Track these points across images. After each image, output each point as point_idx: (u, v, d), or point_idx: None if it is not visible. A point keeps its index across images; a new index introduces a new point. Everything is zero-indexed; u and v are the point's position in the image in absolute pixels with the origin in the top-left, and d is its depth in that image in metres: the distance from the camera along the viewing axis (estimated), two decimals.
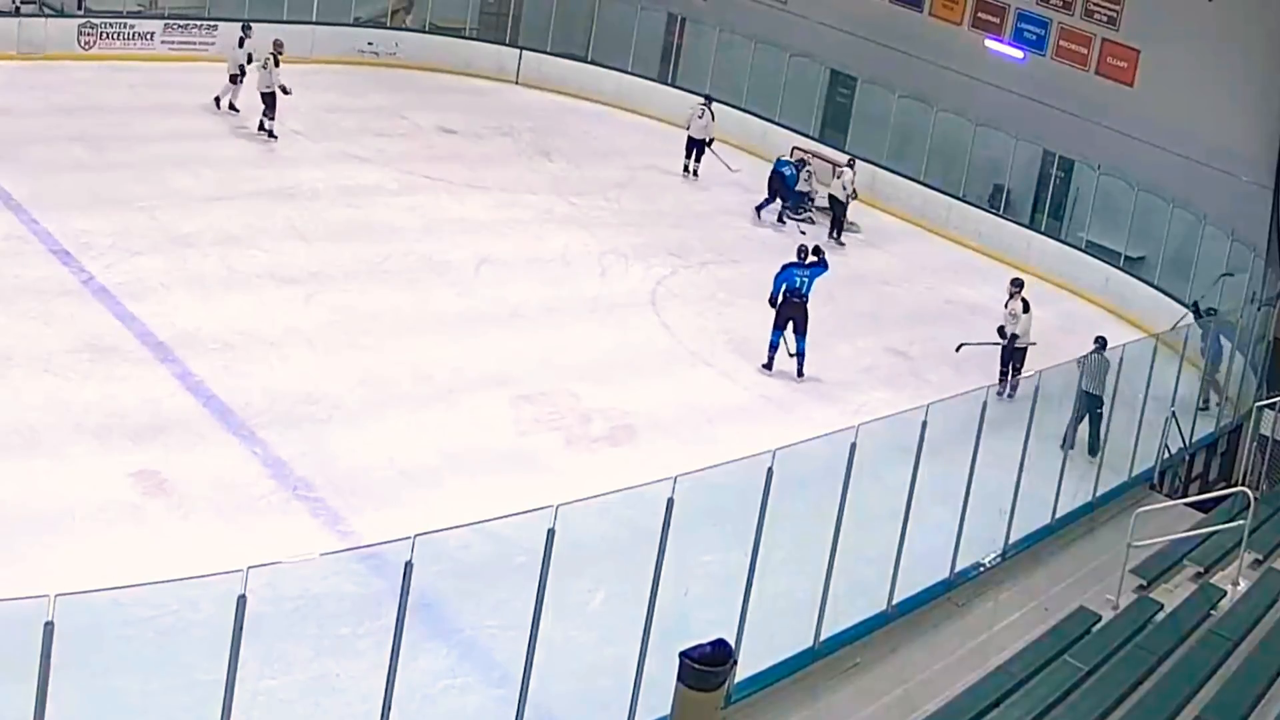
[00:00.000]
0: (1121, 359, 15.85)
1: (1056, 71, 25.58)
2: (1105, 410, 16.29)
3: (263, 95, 23.72)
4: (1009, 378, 18.25)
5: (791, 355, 17.94)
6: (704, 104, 26.23)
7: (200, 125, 23.69)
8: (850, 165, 24.54)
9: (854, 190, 24.30)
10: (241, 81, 24.27)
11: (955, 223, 25.48)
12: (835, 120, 28.41)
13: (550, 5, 31.14)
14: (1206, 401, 19.53)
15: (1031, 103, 25.48)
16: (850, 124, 28.13)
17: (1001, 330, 18.95)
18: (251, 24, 24.85)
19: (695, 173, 26.18)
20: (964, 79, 26.30)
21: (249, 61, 24.17)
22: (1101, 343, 17.37)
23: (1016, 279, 19.68)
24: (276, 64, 23.79)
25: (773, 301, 17.89)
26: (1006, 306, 19.11)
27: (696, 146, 26.05)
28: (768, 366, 18.00)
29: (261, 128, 23.85)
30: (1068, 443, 15.94)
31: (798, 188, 24.77)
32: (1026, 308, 18.91)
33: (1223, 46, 23.00)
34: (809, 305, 17.94)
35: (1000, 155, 25.68)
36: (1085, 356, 17.00)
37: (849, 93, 28.42)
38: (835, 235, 23.97)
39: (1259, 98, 22.80)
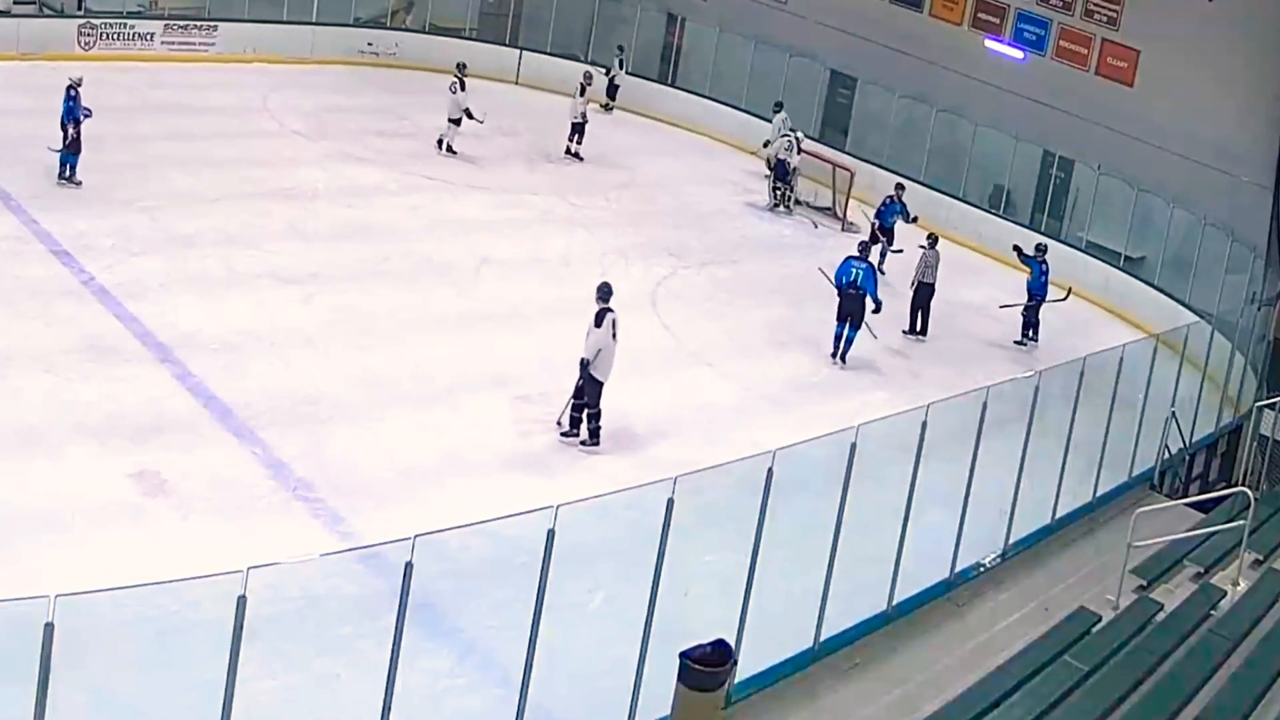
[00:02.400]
0: (1121, 359, 15.85)
1: (1056, 71, 25.59)
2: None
3: (573, 124, 25.84)
4: (576, 423, 15.01)
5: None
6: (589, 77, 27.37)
7: (200, 125, 23.70)
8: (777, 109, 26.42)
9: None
10: (460, 125, 24.72)
11: (955, 223, 25.46)
12: (835, 120, 28.43)
13: (550, 5, 31.16)
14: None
15: (1031, 103, 25.48)
16: (850, 124, 28.15)
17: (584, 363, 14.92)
18: (465, 64, 25.47)
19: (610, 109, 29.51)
20: (964, 79, 26.30)
21: (468, 116, 24.61)
22: (933, 239, 20.90)
23: (602, 284, 15.29)
24: (582, 93, 26.18)
25: (838, 289, 18.65)
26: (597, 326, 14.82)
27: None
28: (833, 355, 18.65)
29: (568, 151, 25.65)
30: (911, 328, 20.25)
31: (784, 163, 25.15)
32: (600, 319, 14.78)
33: (1223, 46, 23.00)
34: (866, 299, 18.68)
35: (1000, 155, 25.68)
36: (923, 253, 20.55)
37: (849, 93, 28.44)
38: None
39: (1259, 98, 22.80)
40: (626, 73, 30.00)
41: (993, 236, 25.09)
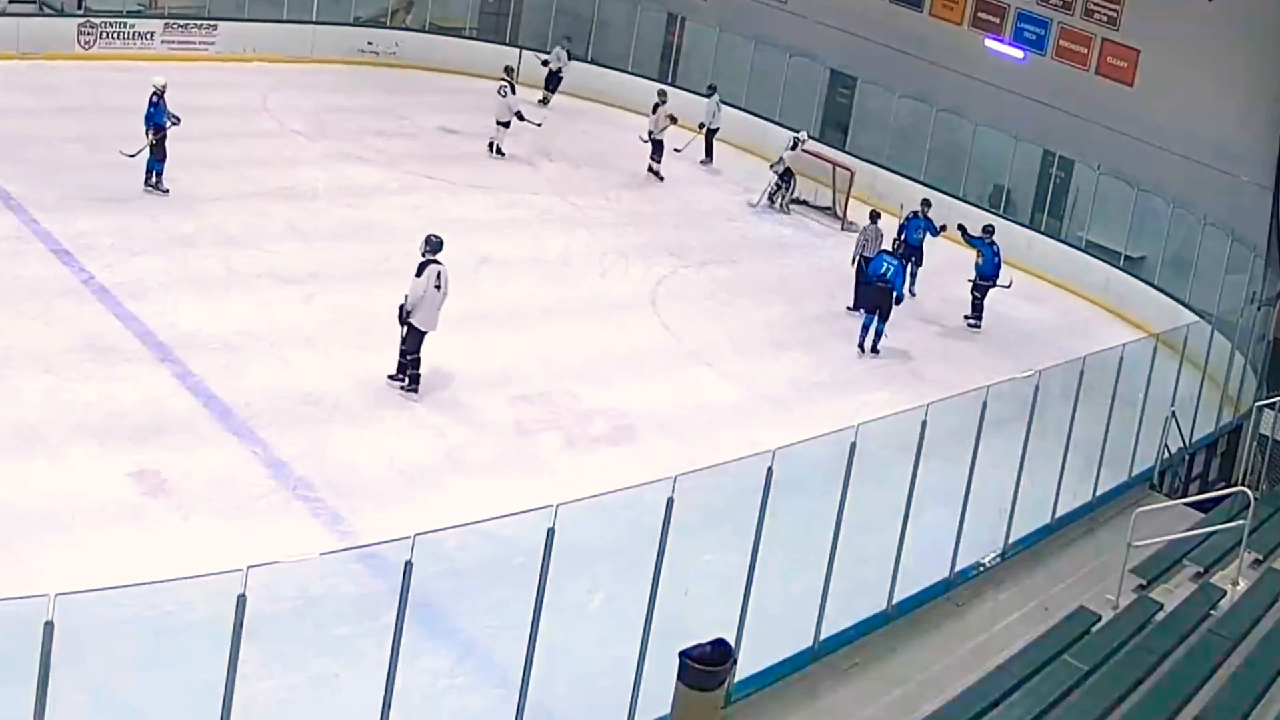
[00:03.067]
0: (1121, 359, 15.86)
1: (1056, 71, 25.58)
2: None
3: (652, 141, 25.73)
4: (402, 369, 15.60)
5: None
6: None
7: (200, 125, 23.56)
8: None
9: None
10: (509, 127, 25.15)
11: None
12: (835, 120, 28.42)
13: (550, 5, 31.15)
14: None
15: (1031, 103, 25.47)
16: (850, 124, 28.14)
17: None
18: (513, 68, 26.42)
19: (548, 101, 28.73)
20: (964, 79, 26.30)
21: (520, 119, 25.15)
22: (875, 215, 21.60)
23: (430, 236, 15.78)
24: (655, 110, 25.93)
25: (868, 282, 19.54)
26: None
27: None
28: (860, 345, 19.31)
29: (650, 170, 25.76)
30: (856, 305, 20.39)
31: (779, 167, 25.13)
32: (421, 270, 15.39)
33: (1223, 46, 22.99)
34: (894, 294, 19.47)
35: (1000, 155, 25.67)
36: (864, 228, 21.48)
37: (849, 93, 28.43)
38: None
39: (1259, 98, 22.80)
40: (572, 59, 29.45)
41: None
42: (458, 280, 19.13)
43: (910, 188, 25.67)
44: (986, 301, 21.44)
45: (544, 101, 28.95)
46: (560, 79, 29.21)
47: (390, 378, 15.56)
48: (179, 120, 20.08)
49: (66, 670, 7.25)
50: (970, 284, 21.32)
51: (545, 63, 29.29)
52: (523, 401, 15.93)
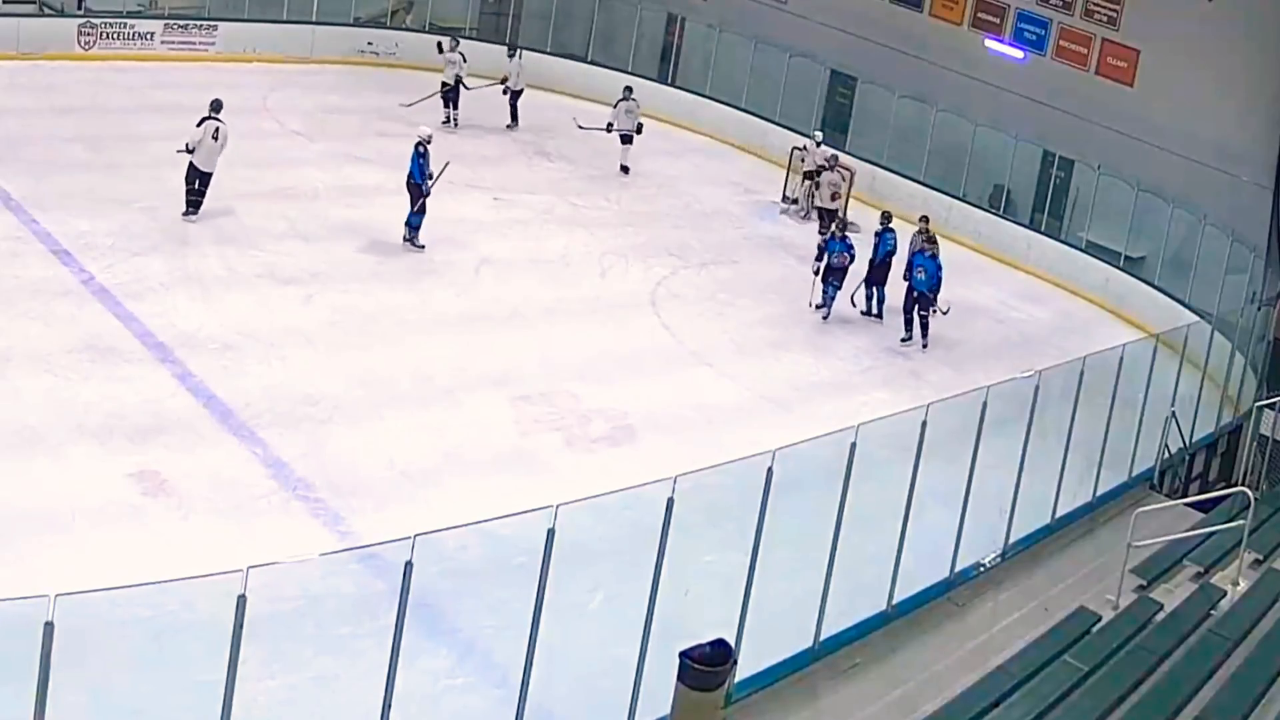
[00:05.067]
0: (1121, 359, 15.85)
1: (1056, 71, 25.57)
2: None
3: (819, 209, 23.81)
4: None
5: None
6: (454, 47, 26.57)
7: None
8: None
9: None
10: (632, 142, 25.58)
11: (955, 223, 25.41)
12: (835, 120, 28.40)
13: (550, 5, 31.15)
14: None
15: (1031, 103, 25.47)
16: (850, 124, 28.13)
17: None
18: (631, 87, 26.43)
19: (455, 121, 26.22)
20: (964, 79, 26.29)
21: (638, 132, 25.56)
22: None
23: (214, 100, 19.91)
24: (818, 173, 24.16)
25: (873, 263, 20.67)
26: None
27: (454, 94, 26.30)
28: (870, 313, 20.62)
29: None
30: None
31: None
32: (200, 123, 19.50)
33: (1223, 46, 22.98)
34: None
35: (1000, 155, 25.67)
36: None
37: (849, 93, 28.41)
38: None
39: (1259, 98, 22.79)
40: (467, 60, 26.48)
41: (993, 236, 25.11)
42: (457, 280, 19.32)
43: (910, 188, 25.73)
44: (985, 303, 21.42)
45: (449, 122, 26.00)
46: (457, 91, 26.17)
47: (184, 215, 19.11)
48: (433, 179, 19.73)
49: (66, 670, 7.25)
50: (915, 300, 20.02)
51: (440, 95, 26.31)
52: (523, 401, 15.93)
